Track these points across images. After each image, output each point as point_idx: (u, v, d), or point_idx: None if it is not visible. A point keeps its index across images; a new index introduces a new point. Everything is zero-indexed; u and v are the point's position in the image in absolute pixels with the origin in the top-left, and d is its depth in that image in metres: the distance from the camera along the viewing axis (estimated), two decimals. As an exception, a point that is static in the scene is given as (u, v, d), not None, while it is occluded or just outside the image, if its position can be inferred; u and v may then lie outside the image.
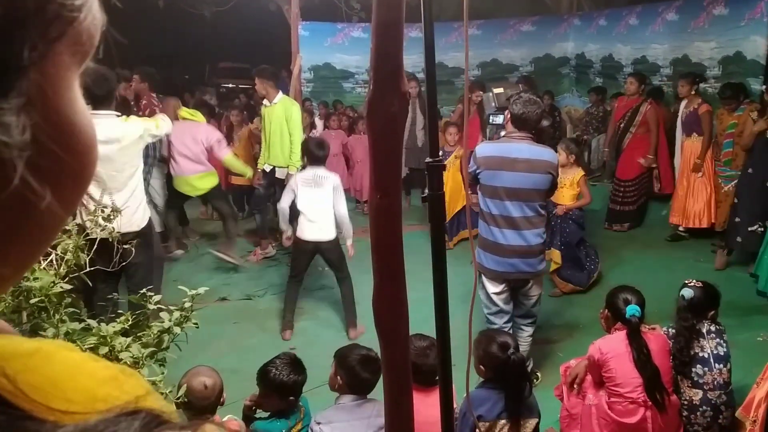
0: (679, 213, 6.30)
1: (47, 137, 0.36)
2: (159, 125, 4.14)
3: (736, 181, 5.69)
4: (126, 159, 3.89)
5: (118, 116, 3.99)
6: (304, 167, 4.82)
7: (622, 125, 6.65)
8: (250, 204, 6.66)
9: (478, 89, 6.46)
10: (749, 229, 5.27)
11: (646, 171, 6.70)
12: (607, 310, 3.13)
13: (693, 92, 6.11)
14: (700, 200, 6.13)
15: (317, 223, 4.43)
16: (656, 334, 3.08)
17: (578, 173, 5.18)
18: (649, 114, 6.48)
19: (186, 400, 2.18)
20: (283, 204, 4.60)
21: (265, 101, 5.81)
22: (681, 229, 6.39)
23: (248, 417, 2.79)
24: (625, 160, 6.67)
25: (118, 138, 3.87)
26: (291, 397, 2.68)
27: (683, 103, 6.26)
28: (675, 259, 5.87)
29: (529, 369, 3.34)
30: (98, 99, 3.85)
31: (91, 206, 2.63)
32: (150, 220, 4.12)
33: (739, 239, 5.38)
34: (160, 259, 4.64)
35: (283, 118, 5.62)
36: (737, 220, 5.41)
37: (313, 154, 4.49)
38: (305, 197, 4.43)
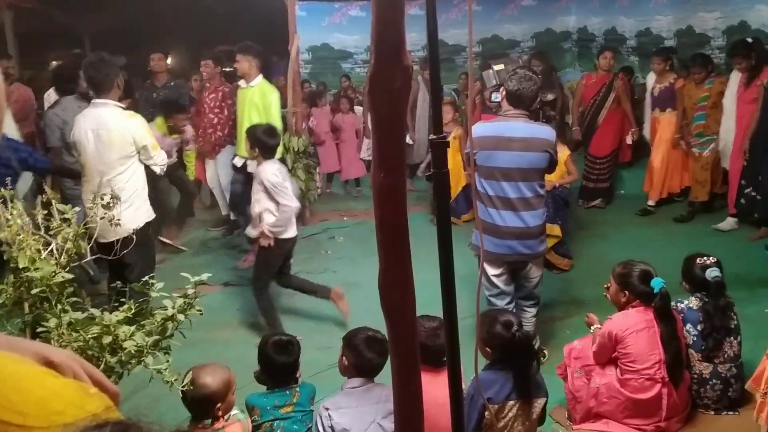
0: (657, 186, 6.46)
1: None
2: (154, 154, 3.80)
3: (713, 146, 5.84)
4: (111, 155, 3.61)
5: (122, 108, 3.74)
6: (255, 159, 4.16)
7: (596, 101, 6.68)
8: (228, 204, 6.11)
9: (480, 67, 6.34)
10: None
11: (618, 146, 6.81)
12: (622, 289, 3.04)
13: (667, 68, 6.26)
14: (677, 170, 6.40)
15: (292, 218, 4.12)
16: (674, 311, 3.05)
17: (564, 153, 5.05)
18: (621, 89, 6.59)
19: (191, 387, 2.16)
20: (258, 209, 4.03)
21: (241, 82, 5.30)
22: (650, 203, 6.56)
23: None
24: (601, 136, 6.72)
25: (109, 129, 3.60)
26: (281, 377, 2.66)
27: (653, 78, 6.40)
28: (662, 231, 6.00)
29: (536, 347, 3.30)
30: (97, 85, 3.66)
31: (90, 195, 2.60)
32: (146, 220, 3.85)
33: None
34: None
35: (260, 104, 5.07)
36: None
37: (267, 144, 4.01)
38: (286, 193, 4.01)
